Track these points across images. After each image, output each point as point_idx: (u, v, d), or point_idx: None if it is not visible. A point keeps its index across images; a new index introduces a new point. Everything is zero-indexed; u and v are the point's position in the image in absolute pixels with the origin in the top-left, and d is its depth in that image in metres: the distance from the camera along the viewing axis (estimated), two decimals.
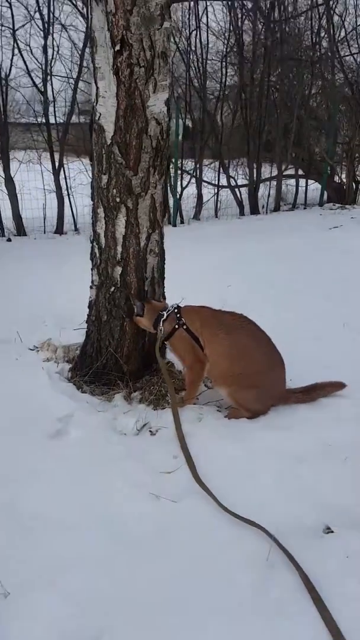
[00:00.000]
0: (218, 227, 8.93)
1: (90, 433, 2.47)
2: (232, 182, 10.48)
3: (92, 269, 2.94)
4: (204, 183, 10.21)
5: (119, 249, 2.75)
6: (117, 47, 2.32)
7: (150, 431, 2.52)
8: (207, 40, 10.00)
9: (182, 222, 9.65)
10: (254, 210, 10.52)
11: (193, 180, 10.08)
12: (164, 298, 3.07)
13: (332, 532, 1.80)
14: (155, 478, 2.13)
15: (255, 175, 10.44)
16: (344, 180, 11.62)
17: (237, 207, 10.47)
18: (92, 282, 2.95)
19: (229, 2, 9.88)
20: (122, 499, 2.01)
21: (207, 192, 10.35)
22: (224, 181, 10.38)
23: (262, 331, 2.65)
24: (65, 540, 1.83)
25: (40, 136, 8.75)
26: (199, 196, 10.07)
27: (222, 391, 2.64)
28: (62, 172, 8.55)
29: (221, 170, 10.29)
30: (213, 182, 10.40)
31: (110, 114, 2.48)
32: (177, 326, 2.71)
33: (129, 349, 2.94)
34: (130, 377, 2.94)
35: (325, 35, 10.74)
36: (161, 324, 2.74)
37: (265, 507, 1.94)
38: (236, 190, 10.48)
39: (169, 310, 2.75)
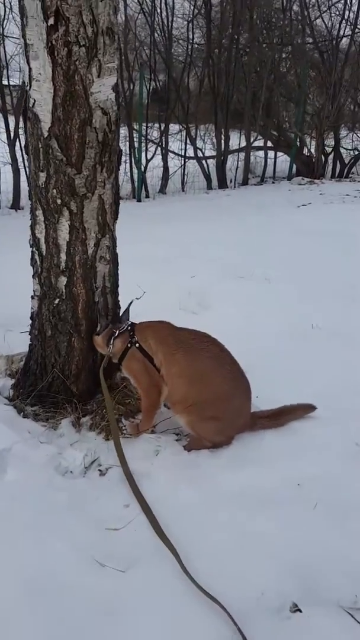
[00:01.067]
0: (184, 204, 8.52)
1: (30, 473, 2.16)
2: (200, 154, 10.02)
3: (33, 277, 2.57)
4: (170, 154, 9.71)
5: (63, 256, 2.39)
6: (51, 21, 1.90)
7: (99, 470, 2.23)
8: (173, 1, 9.32)
9: (147, 196, 9.19)
10: (222, 184, 10.15)
11: (159, 151, 9.56)
12: (119, 307, 2.75)
13: (300, 611, 1.58)
14: (102, 536, 1.86)
15: (223, 146, 10.00)
16: (313, 153, 11.29)
17: (205, 181, 10.05)
18: (34, 292, 2.59)
19: None
20: (59, 567, 1.73)
21: (174, 164, 9.87)
22: (190, 152, 9.92)
23: (227, 352, 2.37)
24: None
25: None
26: (165, 168, 9.59)
27: (181, 420, 2.37)
28: (17, 142, 7.92)
29: (188, 140, 9.80)
30: (180, 152, 9.92)
31: (46, 101, 2.07)
32: (129, 344, 2.41)
33: (78, 367, 2.62)
34: (79, 399, 2.63)
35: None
36: (112, 341, 2.44)
37: (225, 574, 1.70)
38: (203, 162, 10.03)
39: (122, 328, 2.44)
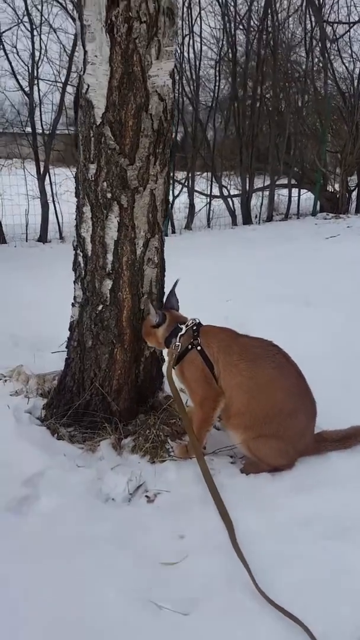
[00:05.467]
0: (211, 237, 8.43)
1: (67, 501, 1.87)
2: (225, 192, 10.06)
3: (75, 282, 2.37)
4: (196, 193, 9.74)
5: (110, 257, 2.19)
6: None
7: (146, 496, 1.94)
8: (201, 48, 9.60)
9: (173, 231, 9.13)
10: (247, 220, 10.09)
11: (185, 189, 9.60)
12: None
13: None
14: (156, 573, 1.55)
15: (247, 185, 10.03)
16: (337, 189, 11.27)
17: (230, 217, 10.02)
18: (75, 298, 2.37)
19: (222, 9, 9.53)
20: (108, 612, 1.42)
21: (200, 201, 9.88)
22: (216, 191, 9.95)
23: (293, 364, 2.10)
24: None
25: (25, 139, 8.20)
26: (191, 205, 9.59)
27: (235, 436, 2.07)
28: (47, 177, 7.99)
29: (213, 180, 9.85)
30: (205, 192, 9.96)
31: (101, 85, 1.92)
32: (190, 346, 2.14)
33: (120, 382, 2.37)
34: (120, 418, 2.36)
35: (318, 45, 10.40)
36: (178, 339, 2.16)
37: (313, 608, 1.39)
38: (228, 200, 10.04)
39: (187, 325, 2.19)
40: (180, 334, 2.15)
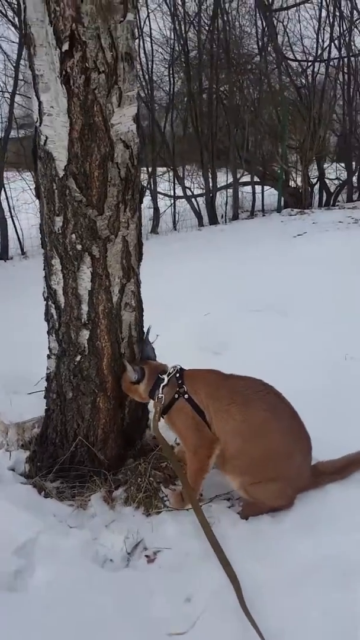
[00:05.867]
0: (179, 243, 8.35)
1: (63, 570, 1.80)
2: (188, 192, 10.00)
3: (49, 334, 2.28)
4: (159, 195, 9.66)
5: (85, 308, 2.11)
6: (66, 47, 1.69)
7: (146, 556, 1.89)
8: (152, 48, 9.49)
9: None
10: (213, 220, 10.08)
11: (147, 192, 9.50)
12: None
13: None
14: None
15: (211, 184, 10.00)
16: (300, 184, 11.36)
17: (196, 218, 9.97)
18: (50, 350, 2.29)
19: (171, 10, 9.43)
20: None
21: (164, 204, 9.81)
22: (179, 192, 9.89)
23: (285, 402, 2.06)
24: None
25: None
26: (155, 209, 9.50)
27: (233, 482, 2.05)
28: (2, 192, 7.74)
29: (176, 180, 9.79)
30: (168, 193, 9.88)
31: (60, 137, 1.84)
32: (176, 395, 2.08)
33: (105, 431, 2.30)
34: (109, 468, 2.30)
35: (270, 42, 10.41)
36: (161, 390, 2.10)
37: None
38: (193, 200, 9.99)
39: (169, 374, 2.12)
40: (162, 385, 2.09)
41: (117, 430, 2.34)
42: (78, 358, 2.19)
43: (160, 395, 2.07)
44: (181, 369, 2.16)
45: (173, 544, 1.89)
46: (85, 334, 2.15)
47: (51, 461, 2.32)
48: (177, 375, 2.11)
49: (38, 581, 1.77)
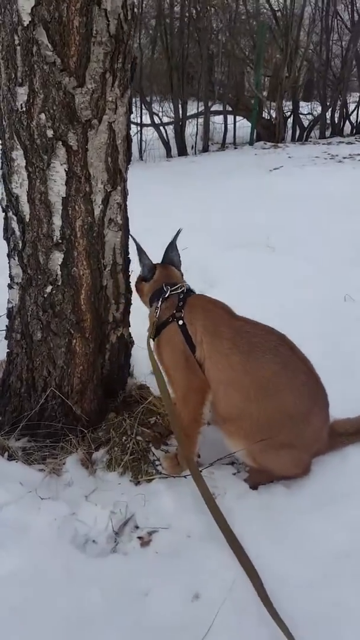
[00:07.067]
0: (146, 172, 7.66)
1: (36, 556, 1.41)
2: (156, 120, 9.19)
3: (9, 256, 1.77)
4: None
5: (57, 222, 1.60)
6: None
7: (139, 537, 1.50)
8: None
9: None
10: (182, 151, 9.38)
11: None
12: (130, 292, 2.00)
13: None
14: None
15: (180, 112, 9.20)
16: (274, 116, 10.67)
17: (164, 148, 9.23)
18: (12, 278, 1.78)
19: None
20: None
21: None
22: (146, 119, 9.06)
23: (299, 354, 1.65)
24: None
25: None
26: None
27: (234, 446, 1.67)
28: None
29: (143, 107, 8.92)
30: (135, 120, 9.02)
31: None
32: (170, 318, 1.69)
33: (82, 380, 1.86)
34: (87, 424, 1.87)
35: None
36: (159, 303, 1.74)
37: None
38: (161, 128, 9.19)
39: (173, 289, 1.76)
40: (163, 296, 1.73)
41: (96, 379, 1.90)
42: (49, 289, 1.70)
43: (157, 306, 1.74)
44: (189, 289, 1.80)
45: (171, 521, 1.52)
46: (57, 257, 1.65)
47: (15, 415, 1.88)
48: (182, 296, 1.72)
49: (6, 570, 1.37)
